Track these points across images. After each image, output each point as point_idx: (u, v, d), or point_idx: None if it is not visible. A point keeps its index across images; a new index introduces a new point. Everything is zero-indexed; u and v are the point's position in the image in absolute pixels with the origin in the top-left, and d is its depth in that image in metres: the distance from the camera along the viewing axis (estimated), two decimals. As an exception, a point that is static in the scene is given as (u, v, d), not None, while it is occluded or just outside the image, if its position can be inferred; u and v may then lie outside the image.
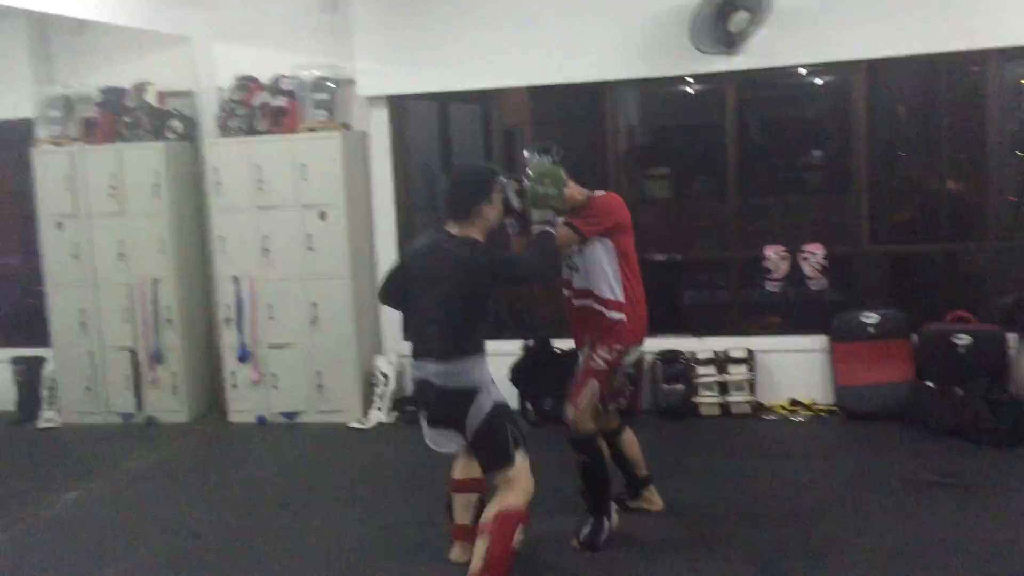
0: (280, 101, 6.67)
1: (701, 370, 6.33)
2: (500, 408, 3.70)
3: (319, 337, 6.67)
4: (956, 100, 6.74)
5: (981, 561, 3.98)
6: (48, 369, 7.23)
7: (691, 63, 6.18)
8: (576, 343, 4.40)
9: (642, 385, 6.44)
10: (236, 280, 6.73)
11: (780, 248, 6.38)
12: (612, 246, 4.18)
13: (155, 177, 6.76)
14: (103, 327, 6.96)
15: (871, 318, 6.18)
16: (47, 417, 7.12)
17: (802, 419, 6.13)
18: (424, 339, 3.71)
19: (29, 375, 7.30)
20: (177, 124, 6.91)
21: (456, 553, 4.11)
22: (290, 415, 6.76)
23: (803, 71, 6.73)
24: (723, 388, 6.31)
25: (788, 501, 4.76)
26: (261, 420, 6.78)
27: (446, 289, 3.62)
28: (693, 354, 6.39)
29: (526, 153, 4.18)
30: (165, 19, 6.57)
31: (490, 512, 3.65)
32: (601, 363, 4.17)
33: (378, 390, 6.71)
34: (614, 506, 4.42)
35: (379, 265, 6.99)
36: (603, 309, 4.18)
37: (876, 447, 5.53)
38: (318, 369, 6.69)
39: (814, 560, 4.08)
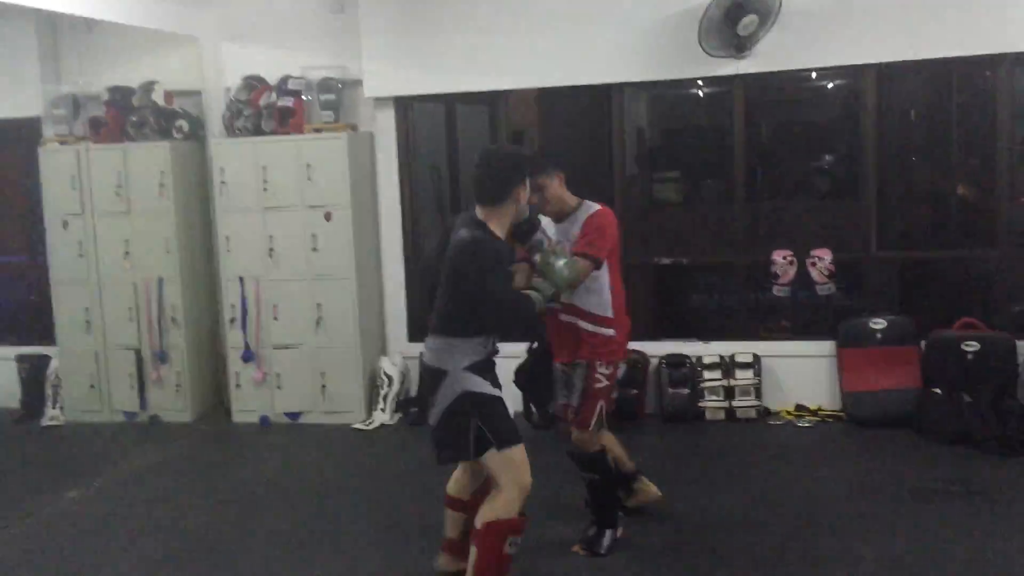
0: (286, 101, 6.66)
1: (707, 374, 6.29)
2: (471, 398, 3.52)
3: (323, 338, 6.65)
4: (966, 105, 6.70)
5: (988, 570, 3.94)
6: (52, 367, 7.22)
7: (699, 66, 6.15)
8: (554, 355, 4.30)
9: (646, 389, 6.41)
10: (241, 280, 6.72)
11: (788, 253, 6.34)
12: (606, 265, 4.10)
13: (161, 177, 6.75)
14: (108, 326, 6.95)
15: (879, 324, 6.13)
16: (51, 415, 7.12)
17: (808, 425, 6.09)
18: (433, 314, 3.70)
19: (33, 373, 7.30)
20: (184, 124, 6.91)
21: (442, 561, 3.99)
22: (294, 415, 6.74)
23: (812, 75, 6.70)
24: (729, 393, 6.27)
25: (793, 508, 4.72)
26: (264, 420, 6.76)
27: (445, 267, 3.60)
28: (699, 358, 6.36)
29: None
30: (173, 19, 6.57)
31: (480, 520, 3.53)
32: (604, 380, 4.14)
33: (382, 391, 6.69)
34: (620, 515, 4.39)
35: (385, 267, 6.99)
36: (594, 326, 4.13)
37: (882, 454, 5.48)
38: (322, 370, 6.67)
39: (819, 568, 4.05)
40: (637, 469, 4.64)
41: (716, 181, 7.09)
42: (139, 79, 6.94)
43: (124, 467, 5.99)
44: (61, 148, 6.98)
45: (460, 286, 3.51)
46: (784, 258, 6.35)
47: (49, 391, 7.20)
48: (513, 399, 3.97)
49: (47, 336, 7.25)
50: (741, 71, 6.12)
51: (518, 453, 3.57)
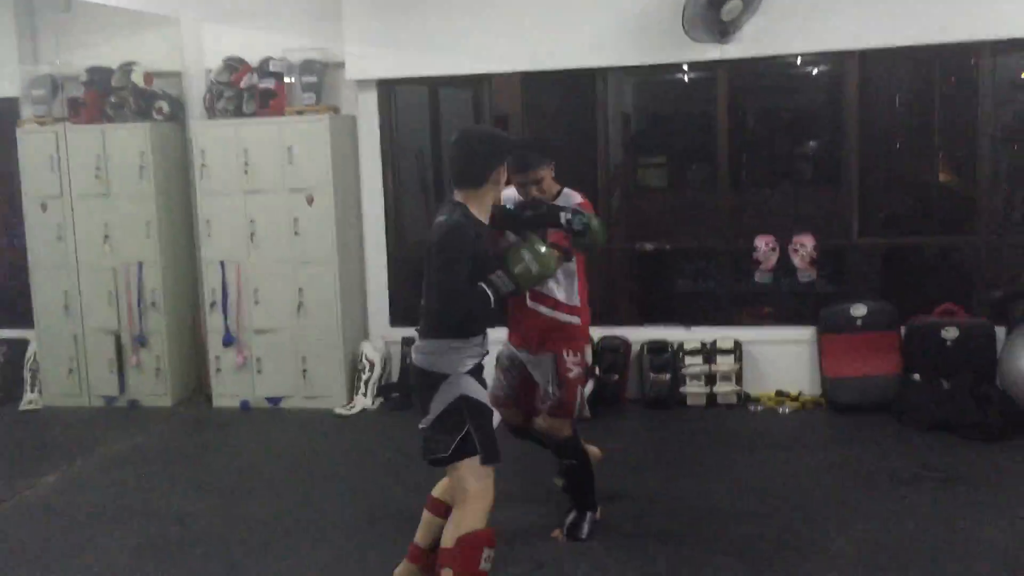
0: (268, 83, 6.60)
1: (688, 360, 6.30)
2: (467, 403, 3.34)
3: (305, 322, 6.62)
4: (949, 92, 6.71)
5: (964, 555, 3.97)
6: (31, 351, 7.16)
7: (683, 51, 6.13)
8: (515, 341, 4.23)
9: (628, 374, 6.42)
10: (222, 264, 6.67)
11: (770, 239, 6.35)
12: (576, 256, 4.06)
13: (141, 159, 6.69)
14: (87, 310, 6.90)
15: (859, 310, 6.15)
16: (29, 399, 7.07)
17: (788, 410, 6.11)
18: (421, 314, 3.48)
19: (12, 357, 7.25)
20: (164, 105, 6.84)
21: (401, 571, 3.78)
22: (274, 400, 6.72)
23: (796, 61, 6.69)
24: (710, 379, 6.28)
25: (772, 493, 4.74)
26: (245, 405, 6.73)
27: (428, 258, 3.36)
28: (681, 344, 6.37)
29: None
30: (152, -1, 6.50)
31: (448, 537, 3.34)
32: (576, 369, 4.13)
33: (364, 376, 6.67)
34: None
35: (367, 251, 6.95)
36: (562, 315, 4.10)
37: (862, 440, 5.51)
38: (303, 354, 6.64)
39: (796, 553, 4.06)
40: None
41: (700, 167, 7.10)
42: (118, 60, 6.85)
43: (103, 452, 5.95)
44: (39, 129, 6.90)
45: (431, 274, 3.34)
46: (766, 244, 6.35)
47: (27, 375, 7.14)
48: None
49: (25, 320, 7.18)
50: (725, 56, 6.11)
51: (492, 472, 3.40)
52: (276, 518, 4.72)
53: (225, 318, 6.69)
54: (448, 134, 7.13)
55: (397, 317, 6.94)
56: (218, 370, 6.78)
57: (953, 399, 5.60)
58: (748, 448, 5.47)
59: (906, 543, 4.11)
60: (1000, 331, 5.92)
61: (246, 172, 6.54)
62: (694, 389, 6.28)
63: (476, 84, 6.87)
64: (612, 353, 6.38)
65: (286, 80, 6.64)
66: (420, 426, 3.41)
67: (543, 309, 4.07)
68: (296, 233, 6.53)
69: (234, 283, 6.66)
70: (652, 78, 7.19)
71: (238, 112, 6.64)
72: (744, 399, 6.26)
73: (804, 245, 6.28)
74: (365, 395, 6.63)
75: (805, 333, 6.33)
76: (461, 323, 3.35)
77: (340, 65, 6.68)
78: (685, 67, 6.81)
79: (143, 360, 6.85)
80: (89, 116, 6.84)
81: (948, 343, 5.90)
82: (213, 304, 6.71)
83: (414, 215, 7.09)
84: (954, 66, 6.56)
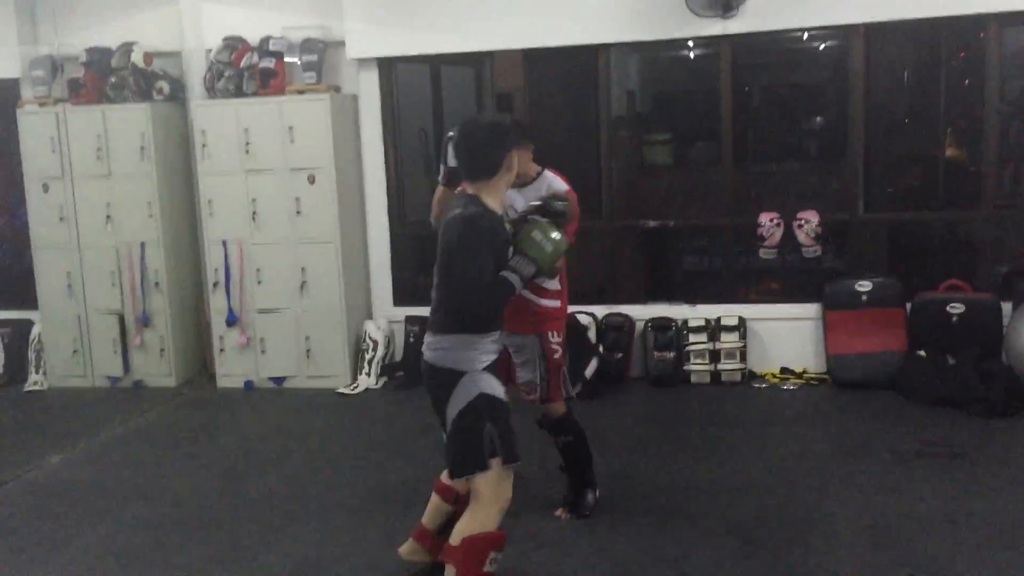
0: (268, 63, 6.55)
1: (692, 338, 6.28)
2: (487, 401, 3.23)
3: (308, 302, 6.61)
4: (955, 66, 6.64)
5: (966, 532, 3.95)
6: (35, 332, 7.17)
7: (686, 26, 6.09)
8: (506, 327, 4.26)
9: (632, 353, 6.40)
10: (224, 244, 6.66)
11: (774, 215, 6.31)
12: None
13: (142, 139, 6.67)
14: (90, 290, 6.90)
15: (864, 286, 6.12)
16: (34, 380, 7.09)
17: (793, 388, 6.09)
18: (431, 309, 3.37)
19: (16, 338, 7.26)
20: (164, 85, 6.81)
21: (405, 549, 3.74)
22: (278, 380, 6.72)
23: (800, 36, 6.62)
24: (714, 356, 6.26)
25: (775, 470, 4.73)
26: (249, 385, 6.73)
27: (441, 252, 3.29)
28: (684, 322, 6.34)
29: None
30: (151, -22, 6.46)
31: (456, 535, 3.25)
32: (559, 349, 4.12)
33: (367, 355, 6.66)
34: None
35: (369, 230, 6.93)
36: (543, 300, 4.06)
37: (866, 416, 5.49)
38: (307, 334, 6.64)
39: (798, 530, 4.05)
40: None
41: (704, 143, 7.04)
42: (118, 40, 6.81)
43: (107, 432, 5.96)
44: (40, 110, 6.88)
45: (452, 269, 3.24)
46: (771, 220, 6.31)
47: (32, 356, 7.15)
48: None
49: (29, 301, 7.18)
50: (728, 31, 6.05)
51: (510, 471, 3.30)
52: (280, 497, 4.73)
53: (228, 298, 6.69)
54: (450, 112, 7.19)
55: (400, 296, 6.93)
56: (222, 350, 6.79)
57: (958, 375, 5.58)
58: (752, 426, 5.46)
59: (910, 519, 4.09)
60: (1006, 307, 5.88)
61: (247, 152, 6.51)
62: (698, 367, 6.26)
63: (478, 62, 6.82)
64: (615, 331, 6.36)
65: (286, 59, 6.60)
66: (446, 433, 3.29)
67: (526, 294, 4.01)
68: (298, 212, 6.51)
69: (236, 263, 6.65)
70: (656, 54, 7.13)
71: (239, 92, 6.61)
72: (748, 377, 6.24)
73: (808, 221, 6.23)
74: (368, 374, 6.63)
75: (810, 310, 6.30)
76: (484, 317, 3.27)
77: (340, 43, 6.63)
78: (690, 43, 6.74)
79: (147, 340, 6.86)
80: (89, 97, 6.81)
81: (954, 319, 5.87)
82: (216, 284, 6.70)
83: (416, 194, 7.06)
84: (961, 39, 6.48)
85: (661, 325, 6.33)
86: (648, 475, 4.75)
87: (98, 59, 6.83)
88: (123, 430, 6.01)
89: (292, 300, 6.63)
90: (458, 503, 3.58)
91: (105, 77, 6.80)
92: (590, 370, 6.04)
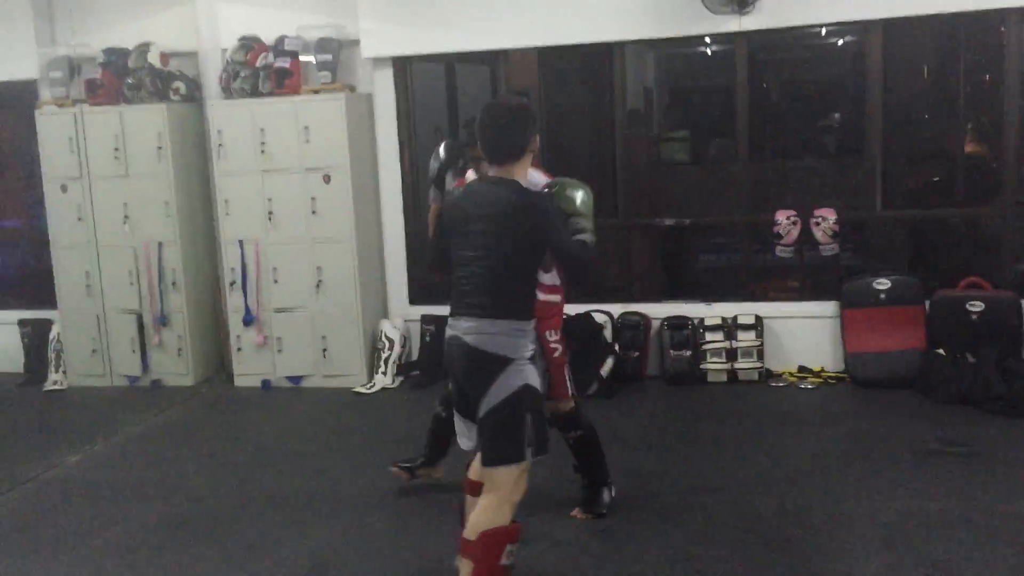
0: (283, 62, 6.57)
1: (709, 336, 6.25)
2: (530, 392, 3.21)
3: (324, 301, 6.63)
4: (975, 61, 6.58)
5: (985, 532, 3.92)
6: (54, 332, 7.23)
7: (701, 23, 6.04)
8: None
9: (648, 351, 6.38)
10: (241, 243, 6.68)
11: (791, 212, 6.27)
12: None
13: (159, 139, 6.70)
14: (108, 290, 6.94)
15: (883, 284, 6.07)
16: (54, 380, 7.13)
17: (811, 386, 6.05)
18: (463, 294, 3.29)
19: (36, 338, 7.32)
20: (180, 85, 6.83)
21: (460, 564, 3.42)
22: (295, 379, 6.74)
23: (818, 32, 6.59)
24: (731, 355, 6.23)
25: (792, 469, 4.70)
26: (266, 384, 6.76)
27: (492, 236, 3.22)
28: (701, 320, 6.31)
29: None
30: (168, -22, 6.49)
31: (472, 529, 3.20)
32: (559, 346, 4.08)
33: (383, 354, 6.67)
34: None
35: (385, 229, 6.94)
36: (542, 294, 3.89)
37: (884, 415, 5.45)
38: (323, 333, 6.65)
39: (815, 529, 4.03)
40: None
41: (721, 141, 7.02)
42: (134, 40, 6.85)
43: (126, 431, 6.00)
44: (58, 111, 6.93)
45: (526, 253, 3.24)
46: (787, 218, 6.27)
47: (51, 356, 7.20)
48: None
49: (49, 300, 7.24)
50: (744, 28, 6.01)
51: (529, 464, 3.28)
52: (296, 496, 4.75)
53: (245, 297, 6.72)
54: (466, 111, 7.19)
55: (416, 295, 6.93)
56: (239, 349, 6.81)
57: (978, 373, 5.52)
58: (769, 425, 5.42)
59: (928, 519, 4.06)
60: (1026, 304, 5.82)
61: (263, 151, 6.53)
62: (715, 365, 6.23)
63: (492, 60, 6.82)
64: (632, 330, 6.34)
65: (301, 59, 6.62)
66: (479, 416, 3.23)
67: None
68: (314, 212, 6.53)
69: (253, 262, 6.68)
70: (672, 51, 7.11)
71: (254, 91, 6.62)
72: (766, 375, 6.21)
73: (825, 218, 6.19)
74: (384, 373, 6.64)
75: (828, 308, 6.26)
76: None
77: (355, 43, 6.64)
78: (707, 40, 6.71)
79: (165, 340, 6.89)
80: (106, 97, 6.85)
81: (973, 317, 5.82)
82: (232, 283, 6.73)
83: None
84: (980, 34, 6.42)
85: (677, 324, 6.30)
86: (664, 474, 4.73)
87: (115, 60, 6.87)
88: (141, 429, 6.04)
89: (308, 299, 6.64)
90: None
91: (122, 78, 6.84)
92: (606, 369, 6.03)
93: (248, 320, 6.73)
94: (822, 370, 6.19)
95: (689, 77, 7.60)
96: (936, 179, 6.83)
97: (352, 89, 6.70)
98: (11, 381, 7.28)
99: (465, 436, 3.41)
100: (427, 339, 6.66)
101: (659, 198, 7.00)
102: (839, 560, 3.75)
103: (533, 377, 3.25)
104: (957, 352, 5.70)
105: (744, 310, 6.30)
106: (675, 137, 7.34)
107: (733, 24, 6.00)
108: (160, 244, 6.79)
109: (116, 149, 6.75)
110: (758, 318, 6.24)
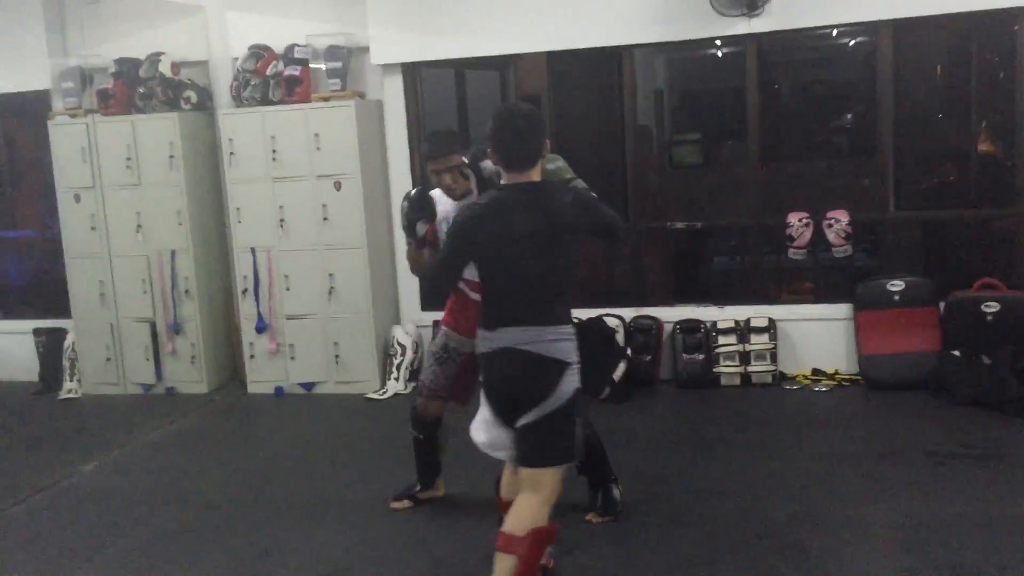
0: (293, 70, 6.59)
1: (722, 339, 6.23)
2: (580, 395, 3.26)
3: (336, 308, 6.64)
4: (986, 60, 6.54)
5: (1001, 535, 3.88)
6: (69, 340, 7.27)
7: (711, 26, 6.03)
8: (463, 331, 4.29)
9: (661, 355, 6.36)
10: (253, 251, 6.70)
11: (803, 215, 6.25)
12: None
13: (170, 148, 6.73)
14: (121, 299, 6.97)
15: (897, 286, 6.04)
16: (68, 388, 7.17)
17: (825, 389, 6.02)
18: (506, 305, 3.25)
19: (50, 346, 7.35)
20: (191, 95, 6.87)
21: None
22: (308, 386, 6.75)
23: (829, 33, 6.56)
24: (744, 358, 6.21)
25: (806, 472, 4.68)
26: (279, 391, 6.78)
27: (546, 239, 3.21)
28: (714, 323, 6.29)
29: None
30: (177, -12, 6.52)
31: (520, 525, 3.18)
32: None
33: (395, 361, 6.68)
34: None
35: (396, 235, 6.94)
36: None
37: (899, 417, 5.42)
38: (335, 340, 6.67)
39: (830, 533, 4.00)
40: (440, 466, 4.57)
41: (732, 143, 6.99)
42: (145, 50, 6.88)
43: (140, 439, 6.02)
44: (71, 121, 6.97)
45: (577, 249, 3.30)
46: (800, 220, 6.25)
47: (66, 364, 7.25)
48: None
49: (63, 309, 7.28)
50: (753, 30, 6.00)
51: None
52: (309, 502, 4.75)
53: (257, 304, 6.74)
54: (476, 116, 7.19)
55: (428, 301, 6.92)
56: (252, 356, 6.83)
57: (994, 375, 5.48)
58: (784, 428, 5.40)
59: (944, 522, 4.03)
60: (1042, 304, 5.77)
61: (274, 159, 6.55)
62: (728, 369, 6.21)
63: (502, 65, 6.81)
64: (644, 333, 6.32)
65: (311, 66, 6.63)
66: (522, 422, 3.21)
67: (478, 296, 3.95)
68: (325, 219, 6.54)
69: (265, 270, 6.70)
70: (682, 54, 7.09)
71: (265, 100, 6.65)
72: (779, 378, 6.18)
73: (838, 220, 6.16)
74: (397, 379, 6.64)
75: (841, 310, 6.22)
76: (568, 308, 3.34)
77: (365, 50, 6.66)
78: (718, 42, 6.69)
79: (178, 347, 6.92)
80: (118, 107, 6.89)
81: (989, 318, 5.78)
82: (245, 291, 6.75)
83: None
84: (992, 33, 6.38)
85: (690, 327, 6.28)
86: (678, 478, 4.72)
87: (127, 70, 6.90)
88: (156, 436, 6.07)
89: (320, 306, 6.66)
90: None
91: (134, 87, 6.88)
92: (619, 373, 5.99)
93: (261, 327, 6.75)
94: (836, 372, 6.16)
95: (699, 80, 7.57)
96: (950, 179, 6.78)
97: (362, 96, 6.71)
98: (26, 390, 7.33)
99: (502, 447, 3.37)
100: (439, 345, 6.65)
101: (670, 201, 6.98)
102: (855, 565, 3.73)
103: (579, 381, 3.30)
104: (972, 353, 5.67)
105: (757, 313, 6.28)
106: (686, 140, 7.32)
107: (742, 26, 5.98)
108: (173, 252, 6.82)
109: (128, 158, 6.79)
110: (771, 321, 6.22)
